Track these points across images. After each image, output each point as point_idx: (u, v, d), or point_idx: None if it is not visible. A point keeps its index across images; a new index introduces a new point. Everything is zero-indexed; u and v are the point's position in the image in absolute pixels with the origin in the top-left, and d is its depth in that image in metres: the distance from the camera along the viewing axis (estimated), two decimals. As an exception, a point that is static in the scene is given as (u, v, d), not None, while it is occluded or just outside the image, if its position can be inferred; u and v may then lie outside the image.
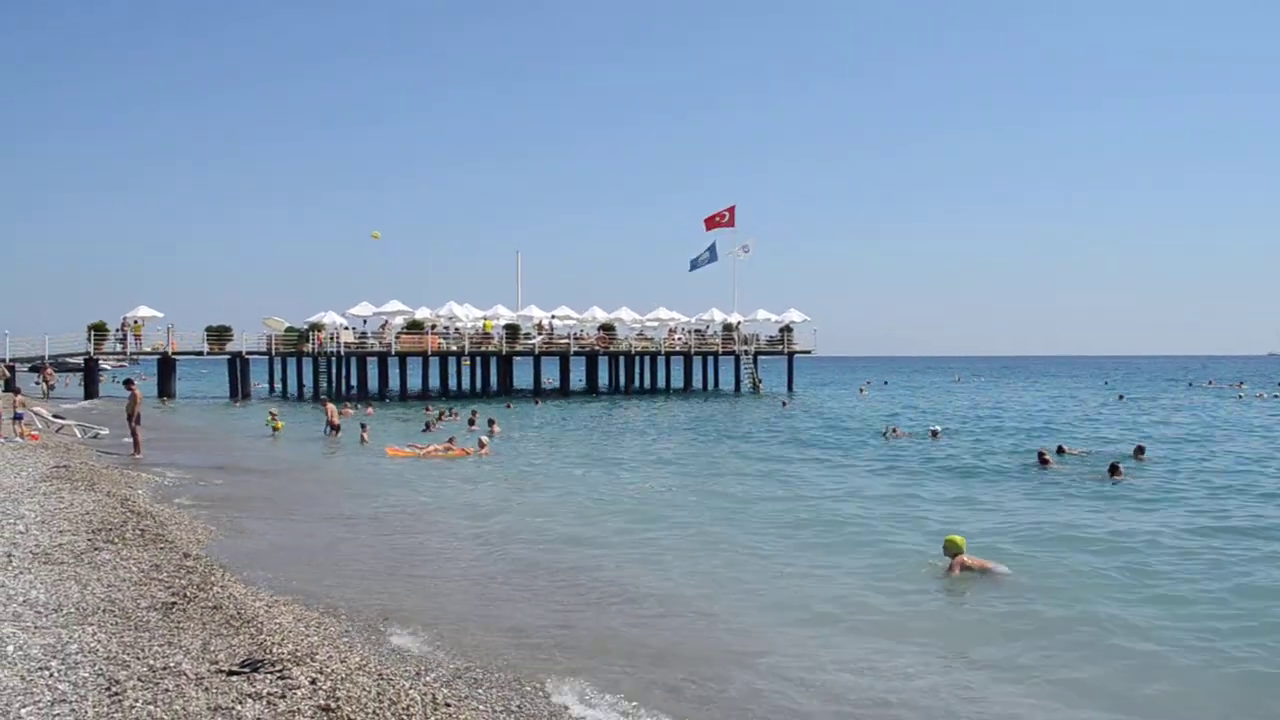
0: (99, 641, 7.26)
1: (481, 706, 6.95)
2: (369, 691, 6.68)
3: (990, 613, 10.06)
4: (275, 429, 31.19)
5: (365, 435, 28.48)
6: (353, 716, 6.10)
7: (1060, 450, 24.99)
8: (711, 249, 64.08)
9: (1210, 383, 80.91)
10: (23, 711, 5.74)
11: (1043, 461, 22.65)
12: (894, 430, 32.48)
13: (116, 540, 11.54)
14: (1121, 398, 58.35)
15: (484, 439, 26.87)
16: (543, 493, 18.90)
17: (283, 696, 6.30)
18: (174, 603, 8.68)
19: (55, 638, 7.28)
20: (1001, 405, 51.82)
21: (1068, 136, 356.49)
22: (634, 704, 7.23)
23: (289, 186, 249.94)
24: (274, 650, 7.33)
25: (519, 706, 7.05)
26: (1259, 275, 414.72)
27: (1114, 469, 20.62)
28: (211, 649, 7.29)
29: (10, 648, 6.93)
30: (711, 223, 64.73)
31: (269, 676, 6.69)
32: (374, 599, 10.18)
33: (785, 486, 19.89)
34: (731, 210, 64.39)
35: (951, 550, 11.56)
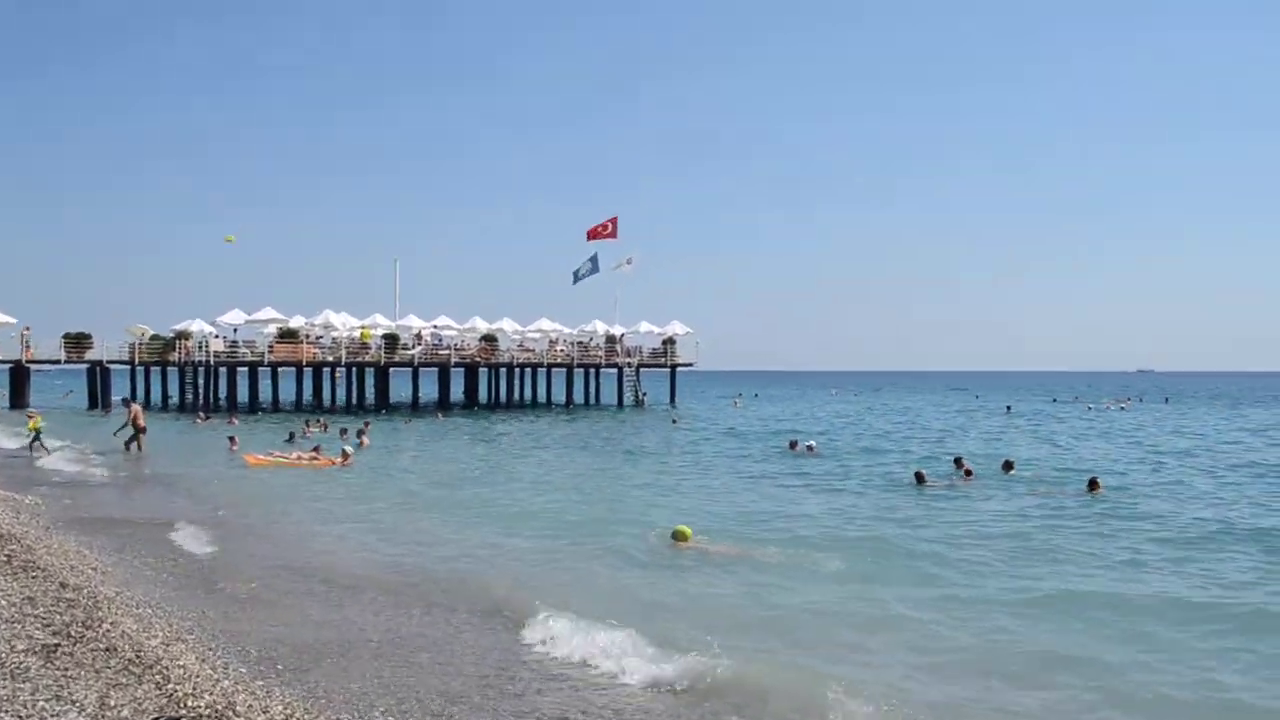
0: (-27, 696, 6.27)
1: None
2: (303, 748, 5.92)
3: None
4: (33, 429, 27.90)
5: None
6: (293, 781, 5.34)
7: (962, 466, 23.99)
8: (593, 259, 63.62)
9: (1076, 398, 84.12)
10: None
11: (919, 480, 21.76)
12: (792, 445, 32.37)
13: (-22, 571, 10.31)
14: (1009, 409, 61.31)
15: (348, 449, 26.42)
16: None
17: (207, 760, 5.49)
18: (57, 644, 7.66)
19: (-81, 692, 6.25)
20: (905, 419, 52.68)
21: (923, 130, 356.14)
22: None
23: (159, 195, 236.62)
24: (188, 703, 6.45)
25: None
26: (1127, 292, 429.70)
27: (1093, 484, 20.39)
28: (112, 703, 6.35)
29: None
30: (594, 234, 64.42)
31: (187, 735, 5.85)
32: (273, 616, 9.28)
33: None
34: (613, 221, 64.22)
35: (679, 537, 14.65)
